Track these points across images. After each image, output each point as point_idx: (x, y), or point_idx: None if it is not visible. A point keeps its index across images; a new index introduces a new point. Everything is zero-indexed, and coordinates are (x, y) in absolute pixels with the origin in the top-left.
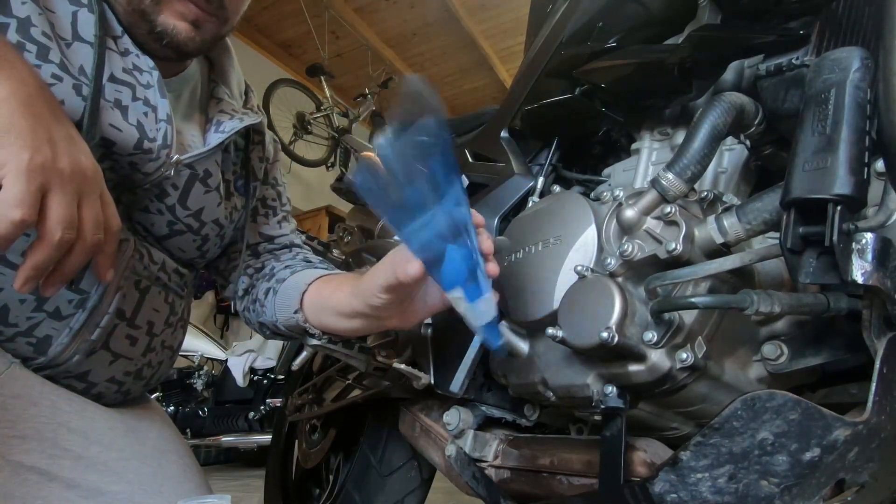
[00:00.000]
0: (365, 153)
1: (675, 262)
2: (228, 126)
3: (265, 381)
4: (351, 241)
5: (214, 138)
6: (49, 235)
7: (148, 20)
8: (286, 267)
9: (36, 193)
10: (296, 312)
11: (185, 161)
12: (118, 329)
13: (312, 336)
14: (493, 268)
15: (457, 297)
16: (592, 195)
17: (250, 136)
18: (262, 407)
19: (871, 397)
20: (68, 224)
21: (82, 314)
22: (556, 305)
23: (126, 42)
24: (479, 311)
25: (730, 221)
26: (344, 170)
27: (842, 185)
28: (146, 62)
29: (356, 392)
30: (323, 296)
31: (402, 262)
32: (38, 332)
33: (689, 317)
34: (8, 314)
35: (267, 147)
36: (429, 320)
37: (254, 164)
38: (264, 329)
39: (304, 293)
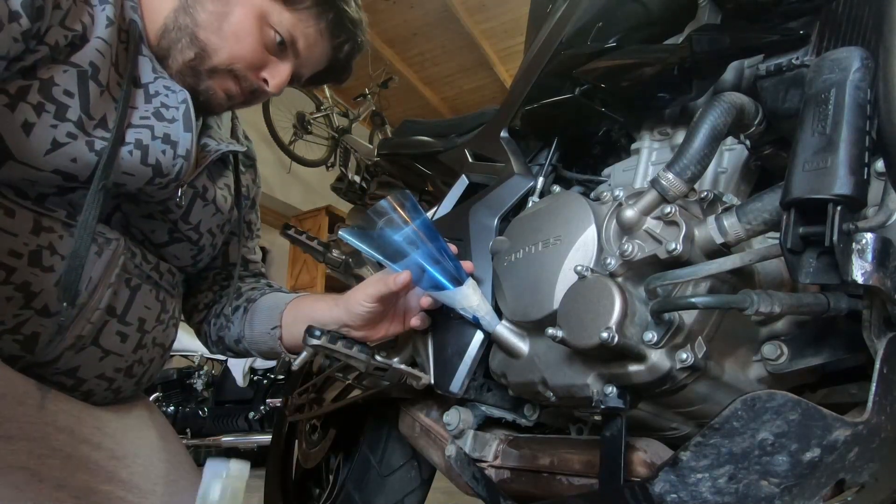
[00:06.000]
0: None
1: (675, 262)
2: (213, 146)
3: (265, 381)
4: None
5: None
6: None
7: (197, 79)
8: (253, 288)
9: None
10: (273, 329)
11: (188, 182)
12: (108, 325)
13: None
14: (468, 265)
15: (438, 294)
16: (592, 195)
17: (238, 159)
18: (262, 407)
19: (871, 397)
20: None
21: (71, 310)
22: (556, 305)
23: (157, 85)
24: (458, 298)
25: (730, 221)
26: (344, 170)
27: (842, 185)
28: (176, 98)
29: (356, 392)
30: (302, 310)
31: (390, 275)
32: (25, 330)
33: (689, 317)
34: None
35: (258, 172)
36: (428, 320)
37: (247, 185)
38: (219, 344)
39: (282, 312)
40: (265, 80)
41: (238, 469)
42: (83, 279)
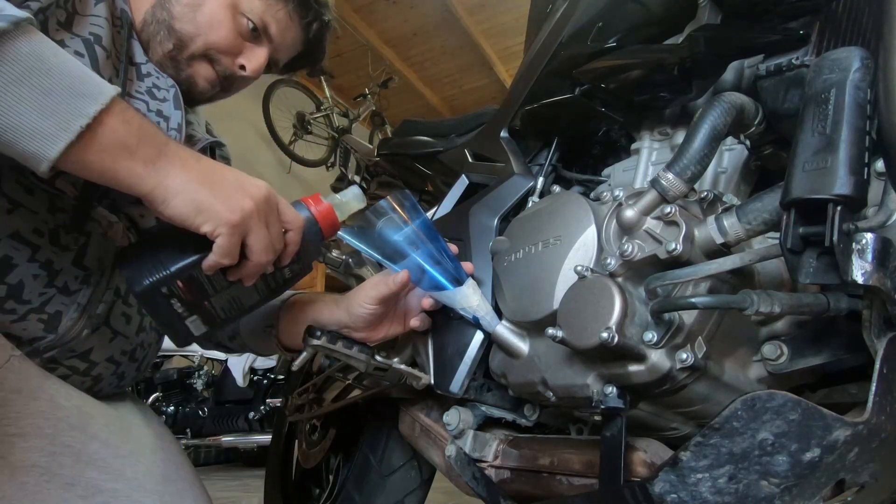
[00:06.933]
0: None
1: (675, 262)
2: (200, 136)
3: (265, 381)
4: None
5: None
6: (255, 261)
7: (177, 68)
8: None
9: (237, 244)
10: (268, 328)
11: None
12: (116, 306)
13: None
14: (468, 265)
15: (438, 294)
16: (592, 195)
17: (216, 156)
18: (262, 407)
19: (871, 397)
20: (265, 251)
21: (87, 289)
22: (556, 305)
23: (149, 67)
24: (458, 298)
25: (730, 221)
26: (344, 170)
27: (842, 185)
28: (165, 82)
29: (356, 392)
30: (301, 310)
31: (390, 276)
32: (50, 308)
33: (689, 317)
34: (22, 290)
35: None
36: (429, 321)
37: None
38: (210, 340)
39: (279, 310)
40: (242, 66)
41: (357, 195)
42: (93, 257)
